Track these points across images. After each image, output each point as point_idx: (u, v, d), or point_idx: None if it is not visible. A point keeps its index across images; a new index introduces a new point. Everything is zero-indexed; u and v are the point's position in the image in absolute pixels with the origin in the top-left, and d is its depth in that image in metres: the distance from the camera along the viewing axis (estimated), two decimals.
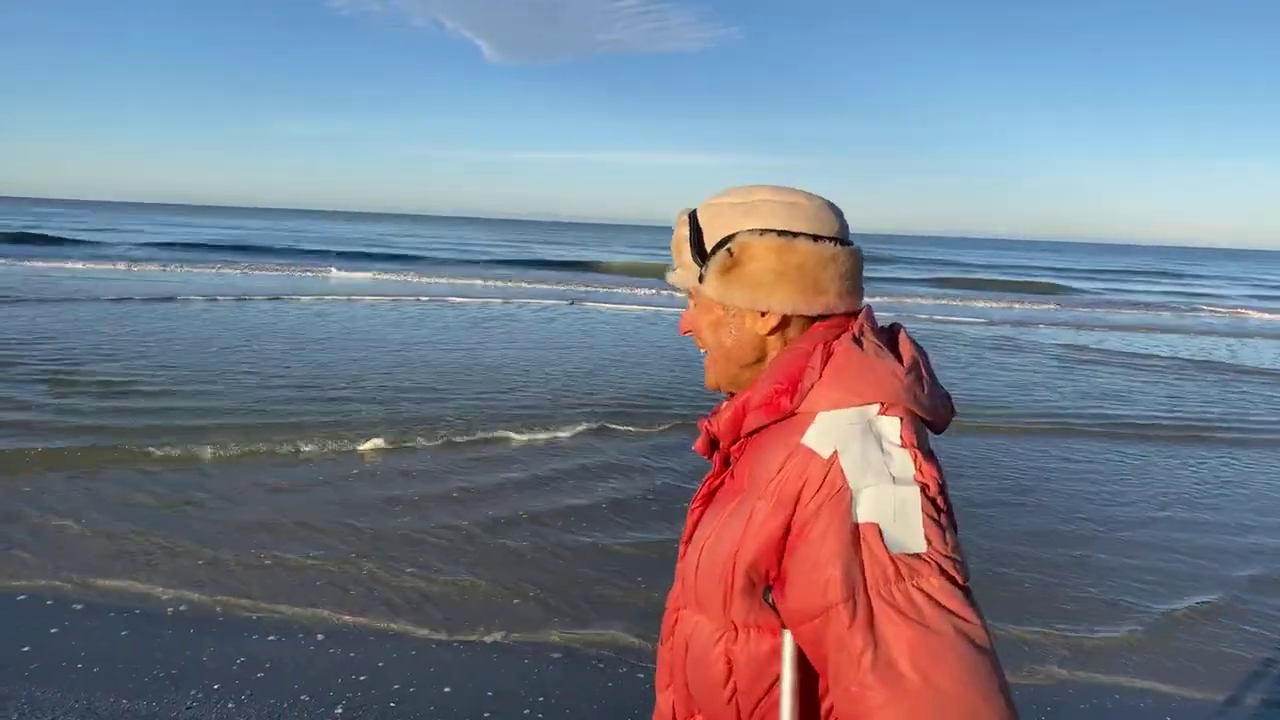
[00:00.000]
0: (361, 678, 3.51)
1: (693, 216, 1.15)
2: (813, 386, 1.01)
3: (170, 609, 4.05)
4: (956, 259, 61.47)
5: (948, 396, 1.08)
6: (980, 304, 25.22)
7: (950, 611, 0.88)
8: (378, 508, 5.47)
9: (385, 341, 12.38)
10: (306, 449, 6.56)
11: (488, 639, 3.94)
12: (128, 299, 16.07)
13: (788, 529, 0.97)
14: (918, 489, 0.93)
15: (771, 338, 1.11)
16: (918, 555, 0.90)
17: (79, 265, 23.50)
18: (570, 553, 4.90)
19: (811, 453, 0.97)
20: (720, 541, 1.05)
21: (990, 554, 5.05)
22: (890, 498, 0.92)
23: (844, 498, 0.93)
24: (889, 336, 1.09)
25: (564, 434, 7.41)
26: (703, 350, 1.19)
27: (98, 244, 33.62)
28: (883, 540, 0.91)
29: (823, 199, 1.13)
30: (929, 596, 0.88)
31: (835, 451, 0.95)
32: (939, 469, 0.97)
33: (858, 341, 1.04)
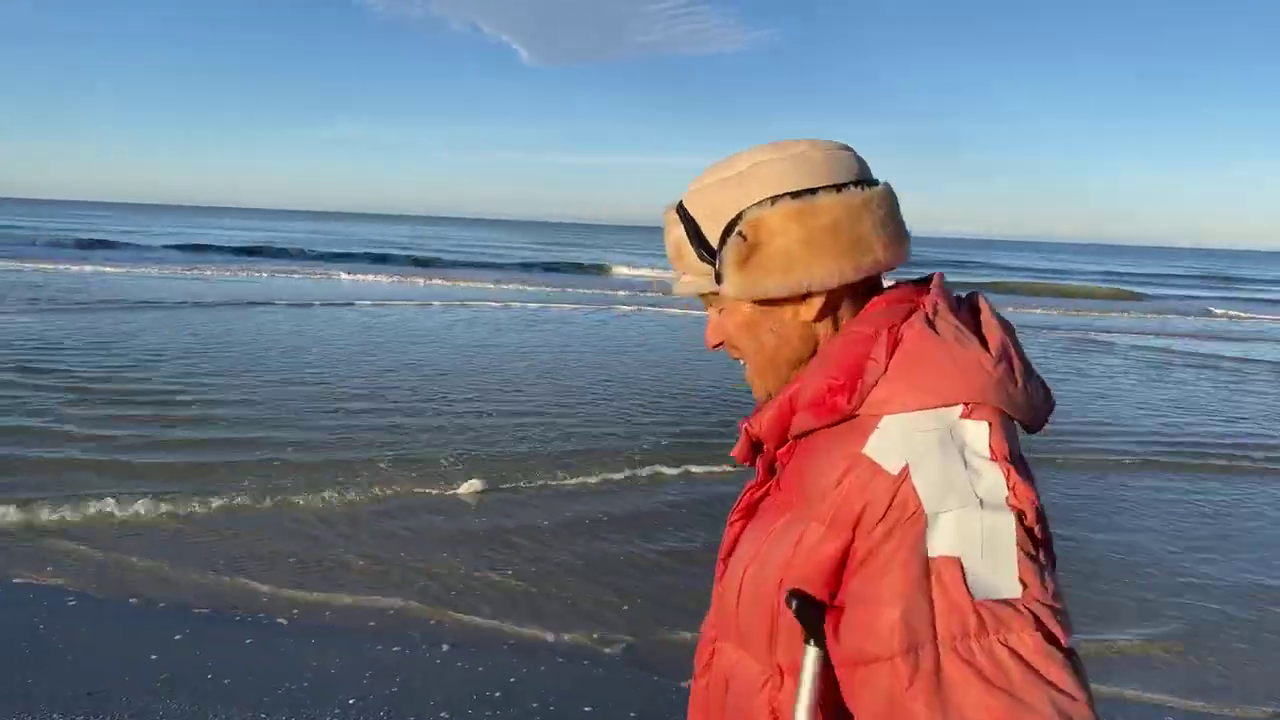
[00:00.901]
0: (497, 694, 3.38)
1: (681, 210, 0.94)
2: (876, 383, 0.81)
3: (283, 618, 3.97)
4: (992, 261, 58.86)
5: (1045, 387, 0.86)
6: (1051, 313, 23.46)
7: (1049, 682, 0.67)
8: (475, 538, 5.09)
9: (453, 350, 12.29)
10: (405, 488, 5.87)
11: (608, 651, 3.82)
12: (192, 303, 16.22)
13: (845, 558, 0.78)
14: (1012, 516, 0.73)
15: (821, 324, 0.91)
16: (1008, 602, 0.70)
17: (150, 270, 23.64)
18: (701, 583, 4.61)
19: (876, 466, 0.77)
20: (765, 567, 0.85)
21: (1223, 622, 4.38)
22: (977, 526, 0.72)
23: (917, 523, 0.74)
24: (969, 311, 0.88)
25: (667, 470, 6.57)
26: (740, 360, 0.98)
27: (143, 247, 33.70)
28: (965, 580, 0.71)
29: (831, 141, 0.92)
30: (1020, 659, 0.68)
31: (906, 465, 0.76)
32: (1035, 487, 0.77)
33: (931, 324, 0.83)
